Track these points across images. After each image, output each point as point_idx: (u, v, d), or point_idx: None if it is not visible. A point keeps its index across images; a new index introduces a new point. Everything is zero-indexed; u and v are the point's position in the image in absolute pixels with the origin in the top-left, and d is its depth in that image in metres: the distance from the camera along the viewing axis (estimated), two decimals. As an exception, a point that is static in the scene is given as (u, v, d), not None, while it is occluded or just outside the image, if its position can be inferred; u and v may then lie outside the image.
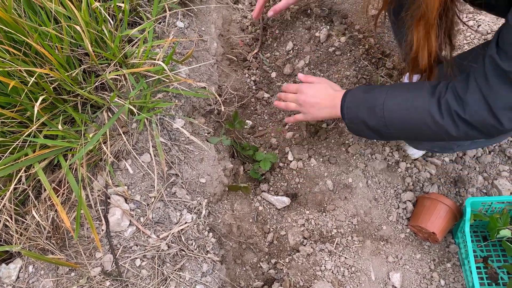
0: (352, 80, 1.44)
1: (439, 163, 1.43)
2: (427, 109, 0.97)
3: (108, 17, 1.22)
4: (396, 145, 1.43)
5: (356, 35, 1.54)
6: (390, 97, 1.04)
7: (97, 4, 1.20)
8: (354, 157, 1.33)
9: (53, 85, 1.07)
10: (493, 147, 1.49)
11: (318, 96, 1.20)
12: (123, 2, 1.30)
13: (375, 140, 1.39)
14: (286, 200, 1.30)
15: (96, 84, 1.19)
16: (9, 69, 0.97)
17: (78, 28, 1.06)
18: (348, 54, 1.45)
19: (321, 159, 1.36)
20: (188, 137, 1.26)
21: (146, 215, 1.13)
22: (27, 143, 1.03)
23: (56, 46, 1.10)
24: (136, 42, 1.30)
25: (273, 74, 1.58)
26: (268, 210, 1.31)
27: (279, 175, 1.37)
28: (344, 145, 1.36)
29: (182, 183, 1.21)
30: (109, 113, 1.19)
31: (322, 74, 1.47)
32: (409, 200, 1.35)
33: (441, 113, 0.95)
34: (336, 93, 1.17)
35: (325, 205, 1.28)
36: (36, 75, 1.00)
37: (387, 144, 1.42)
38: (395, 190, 1.35)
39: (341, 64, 1.45)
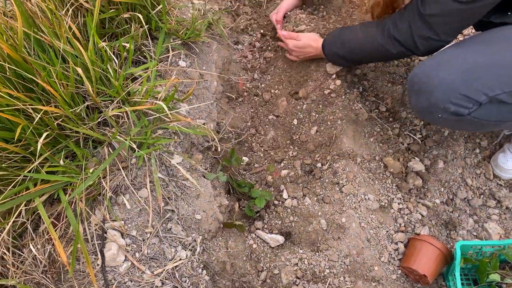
0: (346, 121, 1.49)
1: (430, 205, 1.46)
2: (375, 36, 1.35)
3: (113, 56, 1.27)
4: (391, 184, 1.46)
5: (351, 78, 1.60)
6: (352, 33, 1.44)
7: (103, 44, 1.26)
8: (348, 197, 1.36)
9: (57, 121, 1.11)
10: (482, 190, 1.53)
11: (308, 47, 1.58)
12: (128, 42, 1.36)
13: (368, 178, 1.43)
14: (280, 239, 1.32)
15: (99, 120, 1.23)
16: (17, 107, 1.01)
17: (80, 71, 1.10)
18: (343, 97, 1.50)
19: (315, 198, 1.38)
20: (186, 172, 1.29)
21: (141, 250, 1.15)
22: (28, 177, 1.06)
23: (62, 83, 1.14)
24: (140, 80, 1.35)
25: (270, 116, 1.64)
26: (262, 248, 1.32)
27: (274, 212, 1.39)
28: (338, 184, 1.39)
29: (178, 219, 1.23)
30: (109, 149, 1.22)
31: (317, 115, 1.51)
32: (400, 241, 1.37)
33: (383, 36, 1.32)
34: (319, 40, 1.55)
35: (319, 245, 1.30)
36: (41, 112, 1.03)
37: (382, 184, 1.45)
38: (387, 231, 1.37)
39: (335, 105, 1.50)
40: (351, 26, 1.52)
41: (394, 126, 1.59)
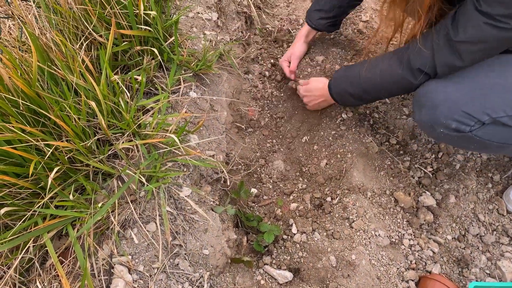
0: (357, 154, 1.48)
1: (442, 241, 1.43)
2: (390, 66, 1.26)
3: (125, 89, 1.28)
4: (402, 219, 1.44)
5: (362, 111, 1.60)
6: (363, 66, 1.34)
7: (115, 77, 1.27)
8: (358, 233, 1.34)
9: (68, 155, 1.11)
10: (495, 226, 1.50)
11: (315, 92, 1.55)
12: (139, 75, 1.38)
13: (379, 211, 1.41)
14: (289, 275, 1.30)
15: (109, 153, 1.23)
16: (30, 143, 1.01)
17: (94, 105, 1.11)
18: (353, 130, 1.49)
19: (325, 233, 1.36)
20: (193, 206, 1.28)
21: (148, 287, 1.13)
22: (37, 212, 1.06)
23: (74, 117, 1.15)
24: (151, 112, 1.36)
25: (280, 147, 1.63)
26: (270, 284, 1.30)
27: (283, 247, 1.37)
28: (348, 220, 1.37)
29: (185, 254, 1.21)
30: (119, 182, 1.22)
31: (325, 150, 1.51)
32: (411, 279, 1.34)
33: (401, 66, 1.23)
34: (325, 81, 1.50)
35: (328, 282, 1.27)
36: (53, 148, 1.04)
37: (392, 220, 1.43)
38: (397, 268, 1.35)
39: (345, 138, 1.49)
40: (358, 62, 1.43)
41: (405, 159, 1.57)
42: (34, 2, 1.18)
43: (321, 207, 1.42)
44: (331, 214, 1.40)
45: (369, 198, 1.44)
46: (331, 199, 1.44)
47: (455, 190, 1.53)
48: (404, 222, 1.44)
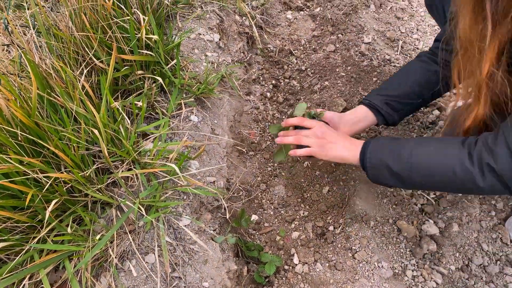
0: (360, 181, 1.46)
1: (445, 272, 1.41)
2: (458, 156, 0.99)
3: (125, 116, 1.26)
4: (405, 249, 1.42)
5: (364, 134, 1.58)
6: (419, 145, 1.08)
7: (116, 104, 1.25)
8: (361, 265, 1.32)
9: (66, 186, 1.09)
10: (499, 256, 1.47)
11: (337, 136, 1.25)
12: (140, 100, 1.36)
13: (384, 247, 1.38)
14: (290, 308, 1.27)
15: (108, 181, 1.21)
16: (28, 176, 0.99)
17: (96, 133, 1.09)
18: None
19: (327, 264, 1.34)
20: (194, 235, 1.26)
21: (146, 322, 1.10)
22: (33, 247, 1.03)
23: (73, 146, 1.12)
24: (151, 137, 1.33)
25: (282, 172, 1.61)
26: (271, 317, 1.28)
27: (284, 278, 1.35)
28: (351, 250, 1.35)
29: (184, 287, 1.18)
30: (118, 211, 1.20)
31: (327, 177, 1.48)
32: (415, 312, 1.32)
33: (472, 162, 0.97)
34: (355, 140, 1.23)
35: (330, 316, 1.25)
36: (51, 180, 1.01)
37: (395, 250, 1.41)
38: (401, 301, 1.32)
39: (348, 164, 1.47)
40: (410, 138, 1.16)
41: (407, 185, 1.55)
42: (34, 28, 1.15)
43: (324, 237, 1.40)
44: (334, 244, 1.37)
45: (372, 227, 1.41)
46: (334, 228, 1.41)
47: (458, 218, 1.51)
48: (407, 252, 1.42)
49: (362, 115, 1.39)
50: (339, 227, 1.40)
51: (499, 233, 1.52)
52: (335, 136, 1.26)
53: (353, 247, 1.35)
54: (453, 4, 1.01)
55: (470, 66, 0.98)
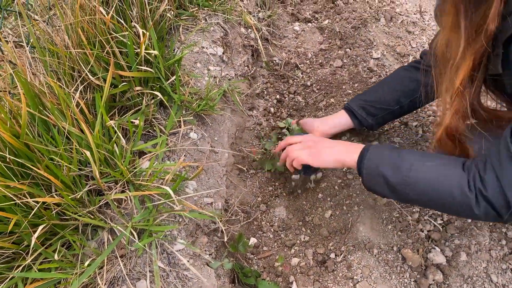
0: (364, 207, 1.40)
1: (451, 304, 1.34)
2: (458, 180, 0.97)
3: (120, 135, 1.21)
4: (410, 279, 1.35)
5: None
6: (419, 161, 1.04)
7: (111, 122, 1.20)
8: (362, 295, 1.26)
9: (56, 210, 1.04)
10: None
11: (333, 141, 1.27)
12: (137, 118, 1.31)
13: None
14: None
15: (100, 203, 1.16)
16: (15, 201, 0.95)
17: (88, 154, 1.05)
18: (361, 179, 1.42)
19: (327, 294, 1.28)
20: (188, 261, 1.21)
21: None
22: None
23: (64, 166, 1.08)
24: (148, 156, 1.29)
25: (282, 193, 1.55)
26: None
27: (281, 307, 1.29)
28: (352, 280, 1.29)
29: (176, 317, 1.14)
30: (110, 235, 1.15)
31: (330, 200, 1.43)
32: None
33: (470, 188, 0.95)
34: (353, 143, 1.23)
35: None
36: (40, 204, 0.97)
37: (399, 279, 1.35)
38: (403, 335, 1.26)
39: (352, 188, 1.41)
40: (413, 150, 1.16)
41: (414, 210, 1.49)
42: (28, 44, 1.12)
43: (324, 264, 1.34)
44: (335, 272, 1.31)
45: (375, 256, 1.35)
46: (335, 255, 1.35)
47: (467, 247, 1.44)
48: (412, 283, 1.35)
49: (340, 118, 1.51)
50: (340, 254, 1.34)
51: (510, 263, 1.44)
52: (331, 141, 1.28)
53: (355, 277, 1.29)
54: (438, 21, 1.06)
55: (445, 80, 1.00)
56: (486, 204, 0.93)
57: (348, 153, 1.19)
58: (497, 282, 1.41)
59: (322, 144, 1.27)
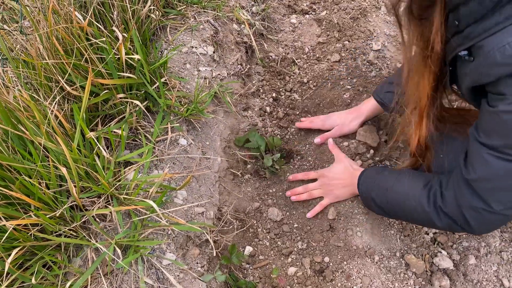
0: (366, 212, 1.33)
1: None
2: (418, 199, 1.09)
3: (101, 147, 1.15)
4: (414, 287, 1.28)
5: (372, 161, 1.44)
6: (397, 181, 1.17)
7: (91, 134, 1.15)
8: (362, 307, 1.19)
9: (33, 230, 1.00)
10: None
11: (339, 177, 1.39)
12: (120, 128, 1.25)
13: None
14: None
15: (83, 219, 1.11)
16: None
17: (64, 171, 0.99)
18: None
19: (325, 306, 1.22)
20: (178, 275, 1.16)
21: None
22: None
23: (42, 184, 1.03)
24: (133, 167, 1.23)
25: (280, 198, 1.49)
26: None
27: (277, 320, 1.23)
28: (351, 290, 1.22)
29: (166, 335, 1.09)
30: (93, 253, 1.10)
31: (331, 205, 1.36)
32: None
33: (429, 204, 1.07)
34: (354, 172, 1.34)
35: None
36: (12, 228, 0.92)
37: (402, 286, 1.28)
38: None
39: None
40: (396, 170, 1.25)
41: (418, 212, 1.41)
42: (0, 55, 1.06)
43: (322, 274, 1.28)
44: (333, 283, 1.25)
45: (377, 263, 1.28)
46: (333, 264, 1.28)
47: (476, 249, 1.36)
48: (416, 291, 1.28)
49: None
50: (340, 263, 1.27)
51: (522, 266, 1.36)
52: (340, 175, 1.39)
53: (354, 287, 1.22)
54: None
55: (412, 89, 1.05)
56: (448, 219, 1.04)
57: (353, 185, 1.32)
58: (509, 287, 1.33)
59: (336, 184, 1.38)
